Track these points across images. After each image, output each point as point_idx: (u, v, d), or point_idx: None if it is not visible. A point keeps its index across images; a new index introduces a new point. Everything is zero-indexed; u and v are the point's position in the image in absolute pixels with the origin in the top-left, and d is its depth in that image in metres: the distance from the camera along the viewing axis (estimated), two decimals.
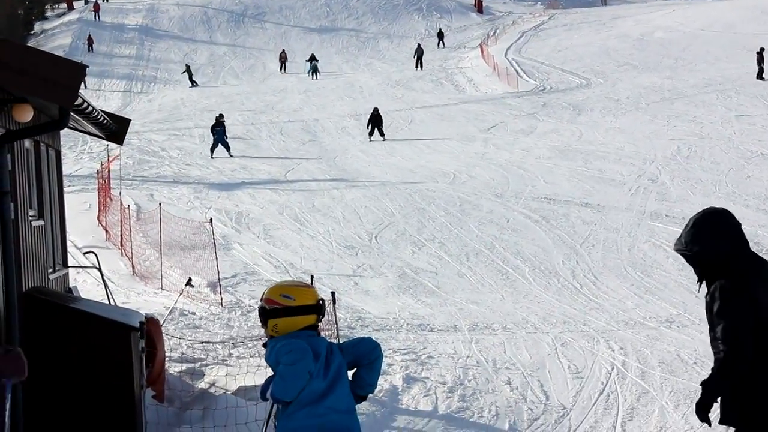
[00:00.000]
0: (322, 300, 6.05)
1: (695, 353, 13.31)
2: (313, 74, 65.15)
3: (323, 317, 6.06)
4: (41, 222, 11.35)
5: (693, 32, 63.51)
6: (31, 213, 10.75)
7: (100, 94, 62.92)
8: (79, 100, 9.29)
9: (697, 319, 15.42)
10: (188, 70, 67.13)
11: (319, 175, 33.45)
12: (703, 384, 6.01)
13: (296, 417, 5.83)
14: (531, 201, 26.56)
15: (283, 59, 71.29)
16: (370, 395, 6.30)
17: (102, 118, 12.07)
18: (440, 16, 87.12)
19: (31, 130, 9.68)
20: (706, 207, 6.28)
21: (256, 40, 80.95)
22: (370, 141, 40.34)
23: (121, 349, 9.87)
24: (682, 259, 6.36)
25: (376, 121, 40.99)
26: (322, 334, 6.17)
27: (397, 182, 30.92)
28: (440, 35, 76.37)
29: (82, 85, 61.53)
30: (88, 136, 17.12)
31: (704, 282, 6.12)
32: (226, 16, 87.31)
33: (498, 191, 28.22)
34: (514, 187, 28.62)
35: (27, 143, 10.68)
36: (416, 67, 64.87)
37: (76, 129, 13.95)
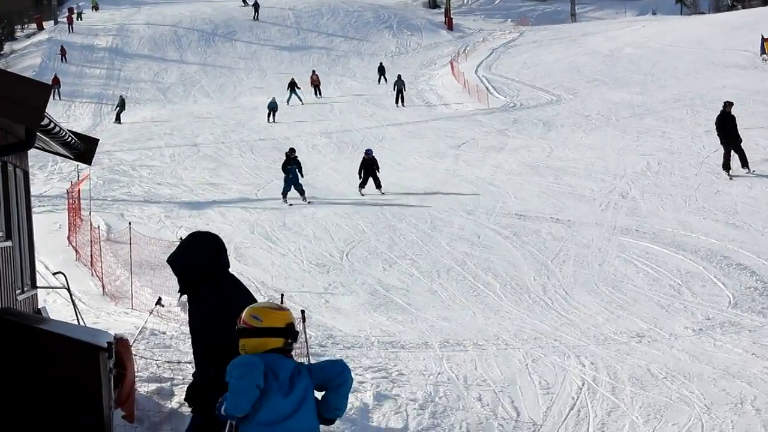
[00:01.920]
0: (292, 324, 6.03)
1: (666, 368, 13.36)
2: (272, 115, 54.34)
3: (294, 341, 6.04)
4: (9, 243, 11.29)
5: (662, 48, 63.85)
6: None
7: (71, 114, 62.72)
8: (46, 121, 9.25)
9: (668, 334, 15.49)
10: (122, 104, 59.69)
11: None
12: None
13: None
14: (502, 217, 26.61)
15: (316, 82, 64.43)
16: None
17: (69, 138, 12.02)
18: (410, 34, 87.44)
19: None
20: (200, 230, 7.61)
21: (227, 59, 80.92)
22: (362, 195, 32.46)
23: (90, 369, 9.82)
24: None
25: (369, 167, 33.15)
26: (295, 351, 6.17)
27: (368, 200, 30.93)
28: (381, 70, 68.12)
29: (56, 96, 61.61)
30: (58, 156, 17.04)
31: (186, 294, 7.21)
32: (197, 35, 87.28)
33: (469, 208, 28.26)
34: (484, 204, 28.67)
35: None
36: (396, 102, 57.34)
37: (43, 149, 13.89)
